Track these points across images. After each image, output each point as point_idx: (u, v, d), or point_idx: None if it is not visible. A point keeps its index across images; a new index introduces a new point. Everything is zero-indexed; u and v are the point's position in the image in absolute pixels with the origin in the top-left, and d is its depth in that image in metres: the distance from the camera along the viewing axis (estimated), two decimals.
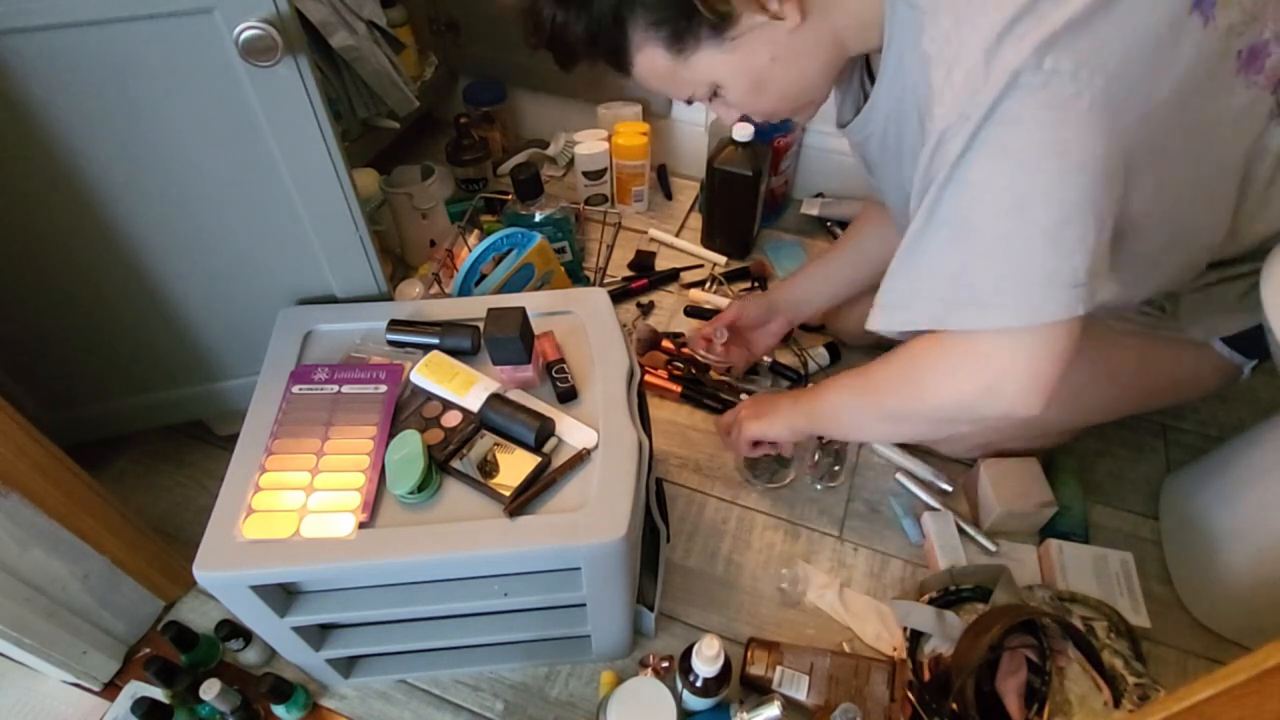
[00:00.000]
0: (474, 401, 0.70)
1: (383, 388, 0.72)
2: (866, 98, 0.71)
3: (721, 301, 1.22)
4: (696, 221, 1.37)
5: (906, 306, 0.66)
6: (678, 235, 1.35)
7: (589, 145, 1.32)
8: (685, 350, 1.13)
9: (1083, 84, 0.53)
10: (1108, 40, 0.54)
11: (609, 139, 1.32)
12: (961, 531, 0.94)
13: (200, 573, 0.61)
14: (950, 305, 0.62)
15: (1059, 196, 0.56)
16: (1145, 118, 0.57)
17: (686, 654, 0.74)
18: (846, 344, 1.16)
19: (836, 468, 0.99)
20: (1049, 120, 0.54)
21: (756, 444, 0.92)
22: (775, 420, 0.87)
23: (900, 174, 0.71)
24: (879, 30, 0.63)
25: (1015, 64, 0.52)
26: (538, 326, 0.78)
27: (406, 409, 0.71)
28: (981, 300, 0.60)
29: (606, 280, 1.27)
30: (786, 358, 1.14)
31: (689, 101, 0.72)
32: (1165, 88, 0.57)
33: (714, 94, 0.69)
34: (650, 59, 0.66)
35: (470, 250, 1.01)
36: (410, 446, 0.66)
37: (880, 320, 0.69)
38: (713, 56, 0.65)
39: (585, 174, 1.35)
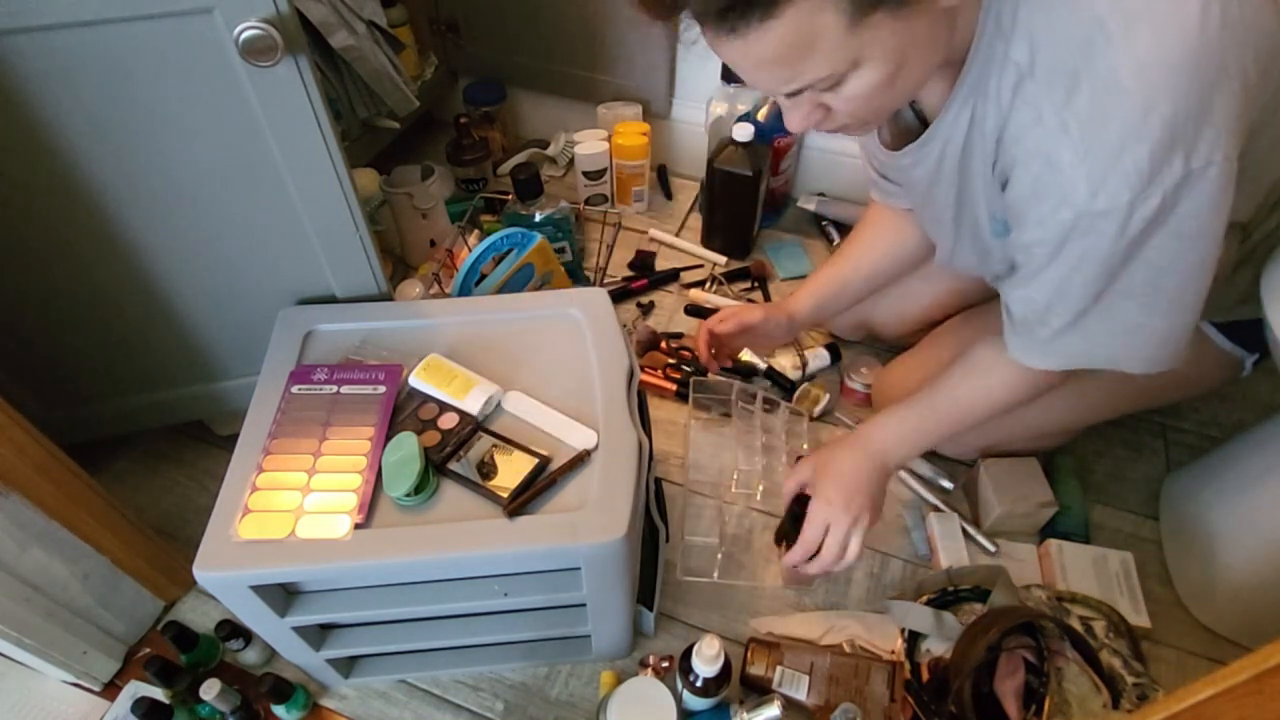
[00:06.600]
0: (473, 405, 0.70)
1: (381, 389, 0.72)
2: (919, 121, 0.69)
3: (721, 301, 1.22)
4: (696, 221, 1.37)
5: (1088, 356, 0.70)
6: (678, 235, 1.35)
7: (589, 145, 1.32)
8: (684, 352, 1.13)
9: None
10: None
11: (609, 139, 1.32)
12: (962, 532, 0.94)
13: (200, 573, 0.61)
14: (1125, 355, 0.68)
15: (1211, 261, 0.61)
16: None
17: (686, 654, 0.74)
18: (847, 342, 1.16)
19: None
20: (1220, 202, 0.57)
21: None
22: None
23: (958, 194, 0.70)
24: (969, 37, 0.60)
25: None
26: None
27: (404, 410, 0.71)
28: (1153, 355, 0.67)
29: (606, 280, 1.27)
30: (787, 358, 1.14)
31: (791, 94, 0.57)
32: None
33: (835, 84, 0.56)
34: (810, 15, 0.50)
35: (470, 250, 1.01)
36: (407, 448, 0.66)
37: (1053, 360, 0.71)
38: (885, 23, 0.52)
39: (585, 174, 1.35)
